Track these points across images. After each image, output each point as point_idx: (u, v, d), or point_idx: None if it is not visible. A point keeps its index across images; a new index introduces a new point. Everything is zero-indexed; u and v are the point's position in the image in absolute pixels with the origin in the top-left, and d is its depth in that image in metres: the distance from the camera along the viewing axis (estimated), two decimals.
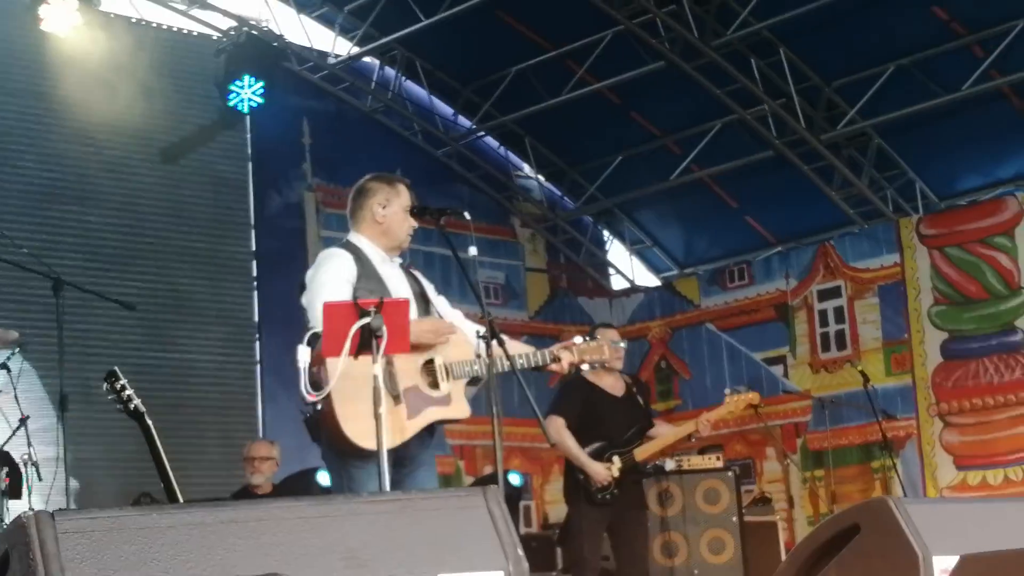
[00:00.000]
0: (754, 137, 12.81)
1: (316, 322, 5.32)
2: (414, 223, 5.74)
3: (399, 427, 5.32)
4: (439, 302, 5.82)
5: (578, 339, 5.82)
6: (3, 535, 2.64)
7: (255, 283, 12.24)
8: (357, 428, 5.25)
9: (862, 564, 3.67)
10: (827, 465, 12.70)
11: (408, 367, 5.44)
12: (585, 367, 5.96)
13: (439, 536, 2.70)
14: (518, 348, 5.74)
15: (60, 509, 2.86)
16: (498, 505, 2.83)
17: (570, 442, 8.23)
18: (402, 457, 5.48)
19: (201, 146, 12.05)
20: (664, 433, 8.64)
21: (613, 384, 8.51)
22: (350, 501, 2.75)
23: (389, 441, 5.00)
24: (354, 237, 5.79)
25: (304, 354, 5.32)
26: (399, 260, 5.87)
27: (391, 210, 5.75)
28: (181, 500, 6.30)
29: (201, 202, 11.97)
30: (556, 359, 5.68)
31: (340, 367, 5.03)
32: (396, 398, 5.36)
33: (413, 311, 5.61)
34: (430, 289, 5.86)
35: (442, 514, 2.74)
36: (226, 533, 2.57)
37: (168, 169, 11.79)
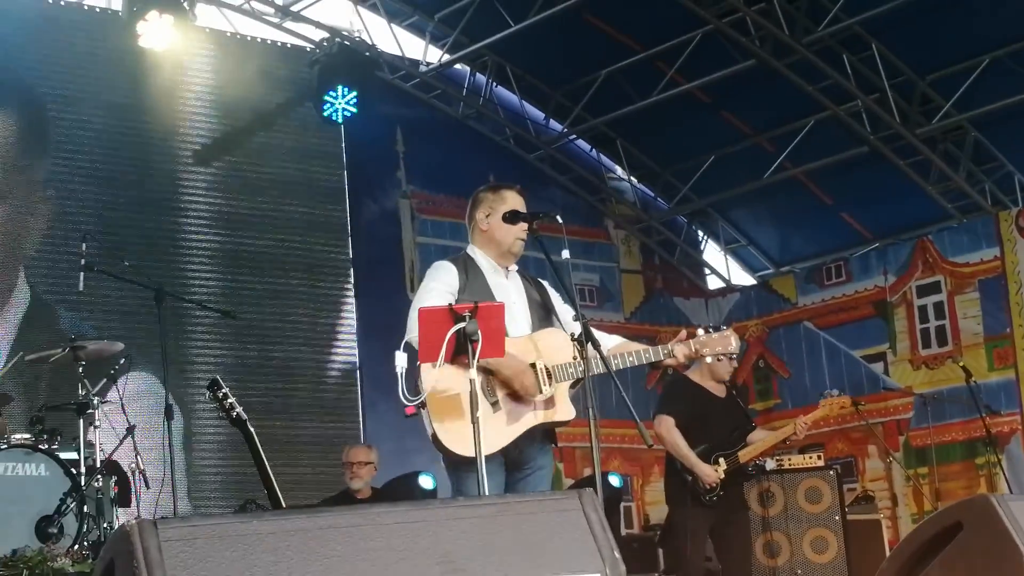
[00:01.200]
0: (848, 133, 12.67)
1: (411, 331, 5.35)
2: (522, 229, 5.71)
3: (497, 433, 5.32)
4: (563, 312, 5.79)
5: (701, 332, 5.74)
6: (108, 543, 2.69)
7: (353, 289, 12.32)
8: (452, 436, 5.29)
9: (965, 563, 3.61)
10: (930, 462, 12.52)
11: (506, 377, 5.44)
12: (708, 359, 5.88)
13: (535, 540, 2.69)
14: (626, 346, 5.73)
15: (163, 517, 2.90)
16: (594, 508, 2.82)
17: (680, 442, 8.19)
18: (516, 461, 5.52)
19: (298, 156, 12.17)
20: (764, 437, 8.58)
21: (716, 387, 8.48)
22: (447, 505, 2.76)
23: (487, 447, 5.00)
24: (469, 249, 5.84)
25: (401, 359, 5.35)
26: (515, 268, 5.86)
27: (495, 219, 5.76)
28: (284, 506, 6.36)
29: (299, 211, 12.10)
30: (670, 353, 5.60)
31: (436, 373, 5.05)
32: (495, 404, 5.38)
33: (525, 319, 5.66)
34: (556, 299, 5.86)
35: (538, 518, 2.73)
36: (325, 539, 2.59)
37: (266, 179, 11.93)
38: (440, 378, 5.14)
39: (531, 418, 5.47)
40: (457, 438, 5.25)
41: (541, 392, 5.47)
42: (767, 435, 8.65)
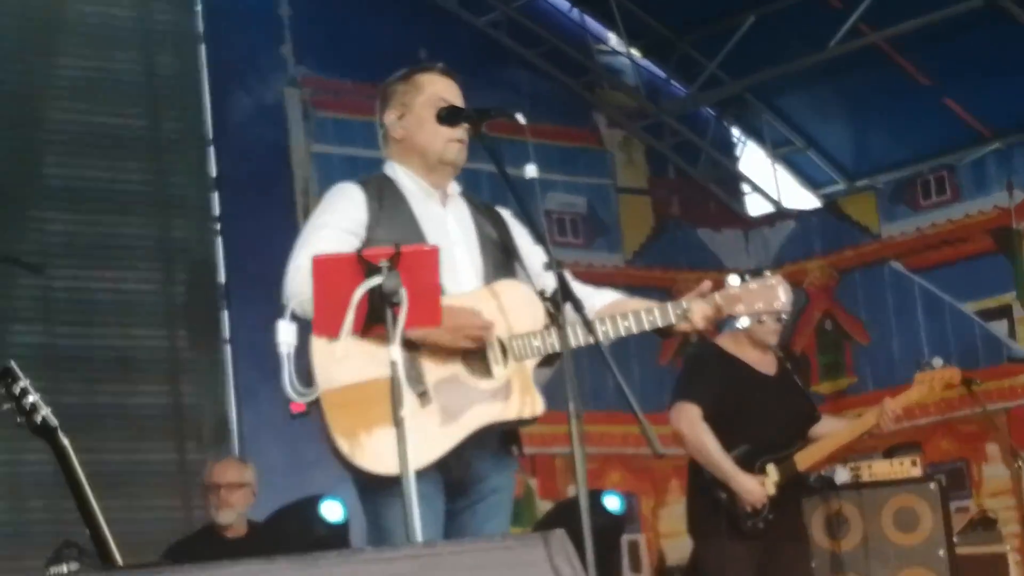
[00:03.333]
0: None
1: (291, 290, 5.39)
2: (457, 129, 5.74)
3: (428, 439, 5.32)
4: (531, 256, 5.77)
5: (734, 279, 5.70)
6: None
7: (218, 226, 12.30)
8: (361, 446, 5.31)
9: None
10: None
11: (442, 349, 5.45)
12: (744, 323, 5.87)
13: None
14: (619, 306, 5.74)
15: None
16: (566, 558, 2.81)
17: (711, 443, 8.26)
18: (461, 481, 5.57)
19: (131, 32, 12.11)
20: (833, 432, 8.64)
21: (761, 359, 8.51)
22: (347, 559, 2.74)
23: (415, 460, 5.00)
24: (387, 166, 5.90)
25: (287, 332, 5.32)
26: (456, 190, 5.90)
27: (411, 118, 5.80)
28: (116, 554, 6.35)
29: (135, 109, 12.05)
30: (685, 316, 5.57)
31: (337, 352, 5.05)
32: (423, 396, 5.38)
33: (472, 268, 5.69)
34: (521, 236, 5.87)
35: (485, 574, 2.73)
36: None
37: (85, 64, 11.86)
38: (342, 359, 5.13)
39: (478, 414, 5.48)
40: (368, 448, 5.28)
41: (490, 375, 5.48)
42: (838, 428, 8.71)
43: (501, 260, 5.80)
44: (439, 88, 5.82)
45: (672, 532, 13.25)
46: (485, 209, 5.95)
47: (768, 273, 5.84)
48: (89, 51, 11.91)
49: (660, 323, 5.59)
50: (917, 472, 10.12)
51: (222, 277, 12.28)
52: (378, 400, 5.09)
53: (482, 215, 5.91)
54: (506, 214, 5.95)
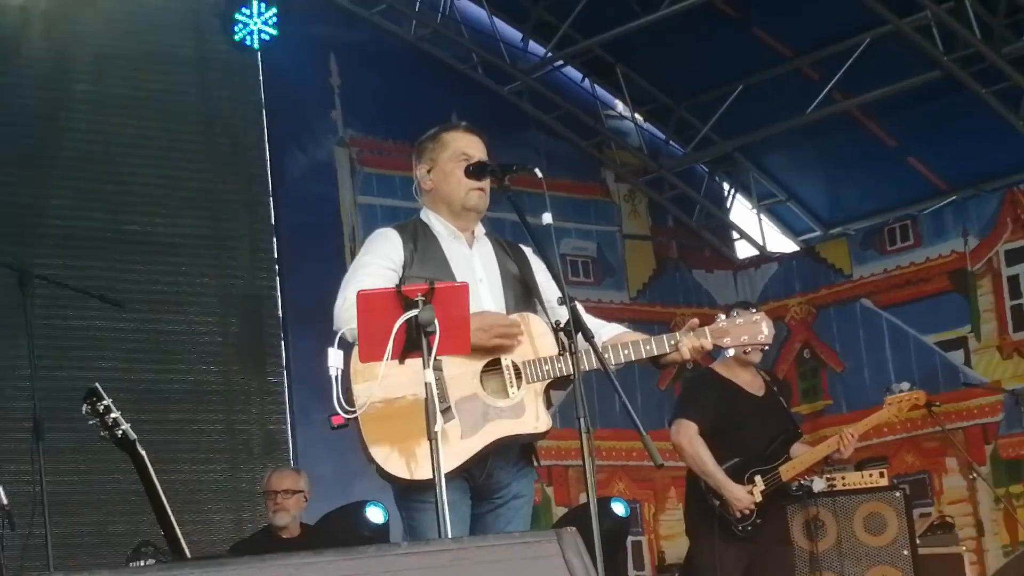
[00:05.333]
0: (915, 54, 12.69)
1: (341, 320, 5.41)
2: (476, 178, 5.73)
3: (451, 449, 5.28)
4: (548, 291, 5.73)
5: (722, 318, 5.71)
6: None
7: (277, 268, 12.30)
8: (391, 455, 5.32)
9: None
10: None
11: (462, 371, 5.44)
12: (731, 352, 5.87)
13: None
14: (623, 337, 5.70)
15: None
16: (577, 553, 2.80)
17: (705, 456, 8.23)
18: (485, 488, 5.54)
19: (203, 97, 12.12)
20: (806, 451, 8.60)
21: (751, 381, 8.49)
22: (387, 552, 2.74)
23: (431, 471, 5.01)
24: (422, 213, 5.89)
25: (336, 358, 5.35)
26: (482, 232, 5.89)
27: (438, 171, 5.81)
28: (187, 550, 6.35)
29: (202, 166, 12.04)
30: (676, 347, 5.54)
31: (380, 376, 5.05)
32: (445, 412, 5.33)
33: (496, 301, 5.67)
34: (540, 272, 5.83)
35: (506, 567, 2.72)
36: None
37: (157, 127, 11.86)
38: (376, 380, 5.13)
39: (494, 429, 5.45)
40: (400, 458, 5.28)
41: (506, 395, 5.46)
42: (805, 452, 8.67)
43: (521, 294, 5.76)
44: (462, 144, 5.81)
45: (671, 534, 13.23)
46: (508, 246, 5.93)
47: (752, 309, 5.84)
48: (166, 122, 11.90)
49: (656, 352, 5.57)
50: (884, 482, 10.11)
51: (280, 312, 12.28)
52: (407, 415, 5.17)
53: (505, 253, 5.88)
54: (527, 251, 5.92)
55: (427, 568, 2.70)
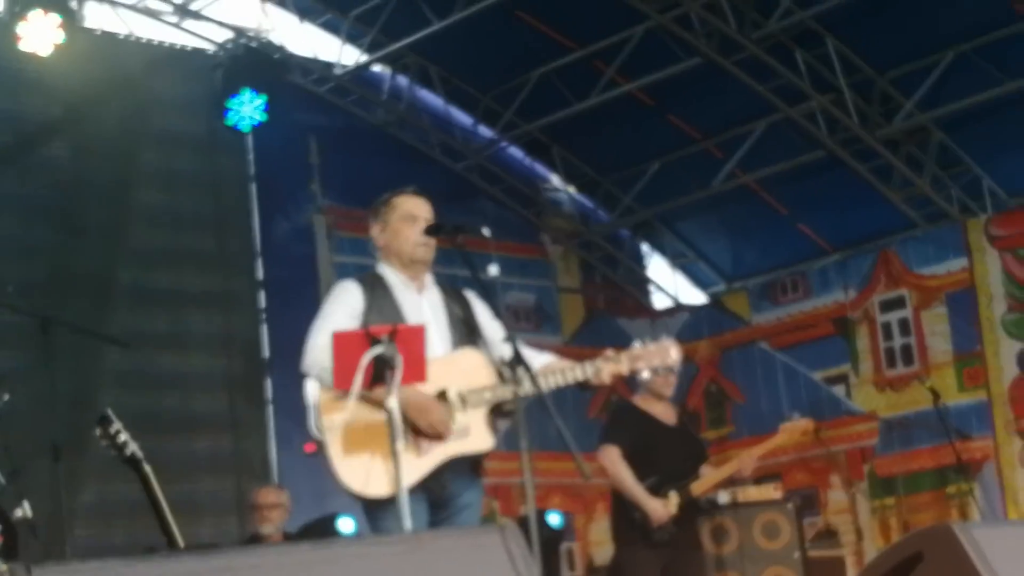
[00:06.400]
0: (803, 136, 12.78)
1: (311, 360, 5.42)
2: (418, 233, 5.71)
3: (409, 467, 5.21)
4: (490, 329, 5.74)
5: (637, 343, 5.72)
6: None
7: (264, 316, 12.27)
8: (355, 474, 5.29)
9: None
10: (898, 492, 12.62)
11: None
12: (645, 375, 5.87)
13: None
14: (552, 365, 5.70)
15: (39, 564, 2.86)
16: (517, 543, 2.81)
17: (626, 475, 8.15)
18: (440, 498, 5.50)
19: (200, 171, 12.10)
20: (711, 472, 8.60)
21: (664, 412, 8.47)
22: (354, 544, 2.74)
23: (392, 487, 5.04)
24: (379, 266, 5.87)
25: (313, 389, 5.38)
26: (430, 281, 5.85)
27: (389, 230, 5.80)
28: None
29: (201, 230, 12.02)
30: (597, 373, 5.57)
31: (350, 403, 5.05)
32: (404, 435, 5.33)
33: (442, 340, 5.64)
34: (482, 314, 5.82)
35: (455, 555, 2.72)
36: None
37: (163, 197, 11.84)
38: (341, 410, 5.14)
39: (443, 449, 5.44)
40: (363, 476, 5.26)
41: (452, 425, 5.43)
42: (714, 470, 8.66)
43: (465, 333, 5.75)
44: (409, 206, 5.79)
45: (599, 541, 13.15)
46: (453, 293, 5.90)
47: (664, 336, 5.86)
48: (170, 192, 11.92)
49: (580, 377, 5.60)
50: (779, 495, 10.12)
51: (266, 353, 12.24)
52: (368, 439, 5.18)
53: (451, 298, 5.86)
54: (470, 295, 5.91)
55: (390, 555, 2.70)
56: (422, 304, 5.76)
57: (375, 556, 2.65)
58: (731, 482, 9.62)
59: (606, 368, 5.59)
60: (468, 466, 5.59)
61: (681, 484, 8.27)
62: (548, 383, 5.47)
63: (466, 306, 5.85)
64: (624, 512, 8.26)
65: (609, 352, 5.67)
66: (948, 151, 12.82)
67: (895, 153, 12.71)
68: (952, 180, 12.97)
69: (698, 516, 8.77)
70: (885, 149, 12.63)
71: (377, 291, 5.71)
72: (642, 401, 8.38)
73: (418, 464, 5.37)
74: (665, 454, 8.29)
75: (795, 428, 8.93)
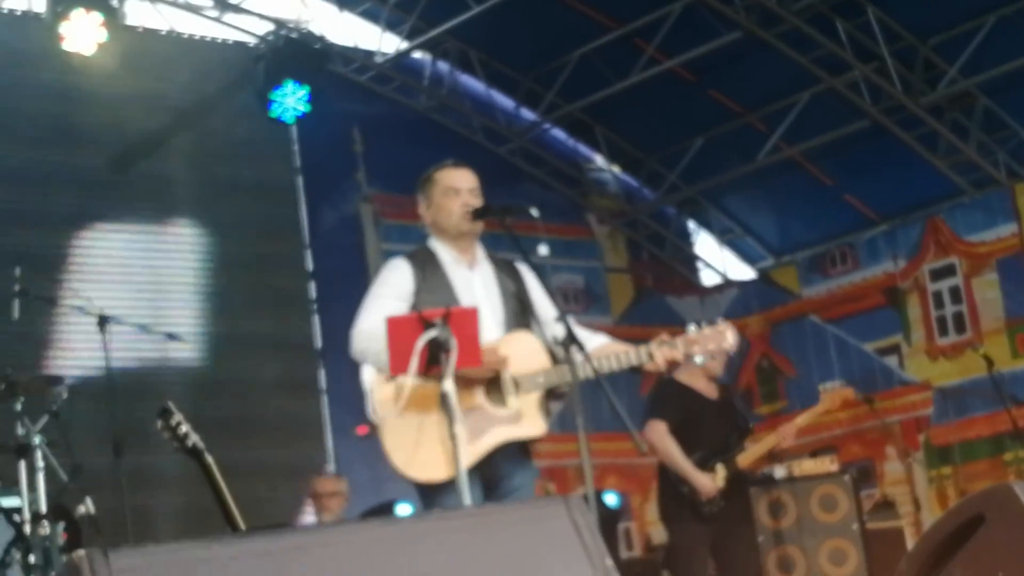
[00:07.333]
0: (847, 106, 12.73)
1: (359, 347, 5.46)
2: (460, 205, 5.67)
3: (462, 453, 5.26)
4: (542, 308, 5.72)
5: (692, 327, 5.65)
6: None
7: (315, 306, 12.34)
8: (407, 459, 5.32)
9: (989, 557, 3.63)
10: (954, 461, 12.59)
11: (468, 386, 5.39)
12: (699, 360, 5.83)
13: (518, 551, 2.70)
14: (606, 348, 5.67)
15: (113, 548, 2.92)
16: (582, 514, 2.83)
17: (675, 449, 8.16)
18: (492, 481, 5.50)
19: (246, 164, 12.17)
20: (755, 445, 8.59)
21: (707, 386, 8.48)
22: (422, 520, 2.78)
23: (446, 471, 5.05)
24: (430, 240, 5.83)
25: (369, 374, 5.40)
26: (483, 255, 5.80)
27: (434, 205, 5.78)
28: None
29: (249, 222, 12.10)
30: (650, 357, 5.50)
31: (408, 387, 5.08)
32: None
33: (495, 319, 5.61)
34: (535, 289, 5.78)
35: (521, 528, 2.75)
36: (290, 561, 2.60)
37: (211, 190, 11.92)
38: (397, 395, 5.18)
39: (495, 435, 5.45)
40: (418, 462, 5.29)
41: (505, 405, 5.44)
42: (759, 442, 8.66)
43: (518, 310, 5.71)
44: (450, 179, 5.76)
45: (655, 520, 13.07)
46: (506, 265, 5.86)
47: (720, 320, 5.80)
48: (217, 189, 12.04)
49: (634, 363, 5.55)
50: (835, 468, 10.05)
51: (319, 344, 12.31)
52: (422, 424, 5.21)
53: (504, 272, 5.81)
54: (523, 268, 5.85)
55: (456, 531, 2.73)
56: (473, 280, 5.72)
57: (442, 531, 2.69)
58: (783, 455, 9.64)
59: (660, 353, 5.52)
60: (518, 449, 5.58)
61: (727, 457, 8.28)
62: (602, 367, 5.41)
63: (519, 280, 5.81)
64: (671, 488, 8.27)
65: (664, 336, 5.59)
66: (993, 116, 12.76)
67: (940, 120, 12.65)
68: (998, 145, 12.91)
69: (746, 489, 8.77)
70: (930, 116, 12.58)
71: (428, 269, 5.68)
72: (686, 376, 8.38)
73: (471, 449, 5.34)
74: (709, 428, 8.31)
75: (835, 395, 8.93)
